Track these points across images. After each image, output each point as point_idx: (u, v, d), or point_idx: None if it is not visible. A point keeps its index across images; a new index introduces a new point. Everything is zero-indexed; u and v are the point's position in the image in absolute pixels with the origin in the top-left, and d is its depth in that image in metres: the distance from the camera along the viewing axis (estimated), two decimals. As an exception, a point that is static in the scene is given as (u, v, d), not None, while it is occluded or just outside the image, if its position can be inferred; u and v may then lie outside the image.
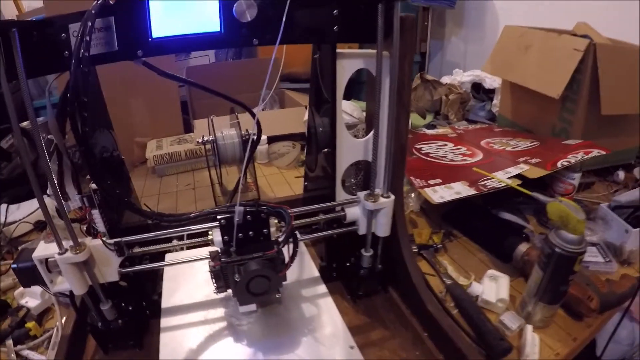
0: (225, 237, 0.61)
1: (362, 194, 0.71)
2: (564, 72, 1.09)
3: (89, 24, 0.46)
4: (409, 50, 0.64)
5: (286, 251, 0.63)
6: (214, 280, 0.65)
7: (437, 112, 1.75)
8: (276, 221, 0.64)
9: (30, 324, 0.76)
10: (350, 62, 0.66)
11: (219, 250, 0.63)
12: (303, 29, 0.58)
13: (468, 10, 2.38)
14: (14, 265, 0.59)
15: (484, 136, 1.34)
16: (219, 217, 0.60)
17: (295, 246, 0.63)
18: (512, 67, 1.32)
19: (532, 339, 0.71)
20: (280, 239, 0.62)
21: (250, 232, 0.62)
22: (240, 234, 0.61)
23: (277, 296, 0.67)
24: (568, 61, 1.09)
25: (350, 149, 0.73)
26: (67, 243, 0.57)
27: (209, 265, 0.63)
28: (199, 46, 0.54)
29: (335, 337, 0.67)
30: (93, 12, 0.47)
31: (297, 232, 0.63)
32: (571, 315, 0.79)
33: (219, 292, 0.66)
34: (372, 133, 0.68)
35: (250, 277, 0.60)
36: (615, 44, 1.18)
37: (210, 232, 0.63)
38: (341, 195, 0.76)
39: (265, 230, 0.63)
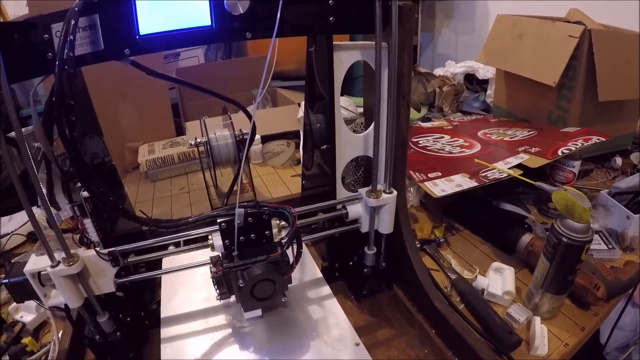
0: (226, 241, 0.59)
1: (363, 191, 0.69)
2: (560, 59, 1.08)
3: (73, 22, 0.44)
4: (408, 40, 0.62)
5: (289, 252, 0.61)
6: (216, 287, 0.62)
7: (431, 105, 1.74)
8: (277, 222, 0.62)
9: (26, 340, 0.73)
10: (347, 54, 0.64)
11: (220, 255, 0.61)
12: (298, 21, 0.55)
13: (457, 2, 2.37)
14: (5, 281, 0.56)
15: (480, 127, 1.33)
16: (219, 220, 0.58)
17: (300, 247, 0.61)
18: (507, 56, 1.30)
19: (540, 331, 0.70)
20: (283, 241, 0.60)
21: (252, 235, 0.60)
22: (241, 237, 0.59)
23: (283, 299, 0.65)
24: (563, 48, 1.07)
25: (350, 145, 0.71)
26: (59, 255, 0.54)
27: (211, 272, 0.61)
28: (189, 42, 0.52)
29: (342, 338, 0.65)
30: (77, 9, 0.44)
31: (300, 233, 0.61)
32: (578, 304, 0.78)
33: (222, 299, 0.64)
34: (371, 127, 0.66)
35: (254, 282, 0.58)
36: (610, 29, 1.17)
37: (210, 237, 0.61)
38: (342, 192, 0.74)
39: (267, 232, 0.61)
